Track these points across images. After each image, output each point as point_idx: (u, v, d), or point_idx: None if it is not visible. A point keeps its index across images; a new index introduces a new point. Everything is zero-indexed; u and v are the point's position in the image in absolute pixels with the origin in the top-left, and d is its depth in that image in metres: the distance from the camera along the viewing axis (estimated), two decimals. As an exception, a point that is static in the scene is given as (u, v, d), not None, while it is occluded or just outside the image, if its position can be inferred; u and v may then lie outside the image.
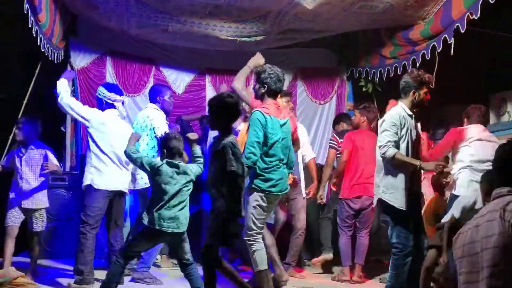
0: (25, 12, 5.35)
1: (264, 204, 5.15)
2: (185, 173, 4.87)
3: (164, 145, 4.97)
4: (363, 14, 6.69)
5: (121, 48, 7.95)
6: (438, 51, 6.34)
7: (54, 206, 6.63)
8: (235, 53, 7.76)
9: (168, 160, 4.87)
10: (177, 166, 4.85)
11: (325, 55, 8.63)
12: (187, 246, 4.95)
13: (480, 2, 5.56)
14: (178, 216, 4.80)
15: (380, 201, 5.02)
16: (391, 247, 5.04)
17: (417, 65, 6.83)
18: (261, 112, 5.12)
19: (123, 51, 7.97)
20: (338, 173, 6.70)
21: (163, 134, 5.28)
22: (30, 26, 5.54)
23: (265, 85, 5.25)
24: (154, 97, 6.31)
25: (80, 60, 7.68)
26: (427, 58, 6.59)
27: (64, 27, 6.90)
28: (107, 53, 7.88)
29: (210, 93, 8.26)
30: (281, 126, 5.21)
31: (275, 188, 5.16)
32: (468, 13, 5.78)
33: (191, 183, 4.94)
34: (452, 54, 6.04)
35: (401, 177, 4.91)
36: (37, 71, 6.67)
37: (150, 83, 7.91)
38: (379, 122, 5.17)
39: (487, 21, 6.11)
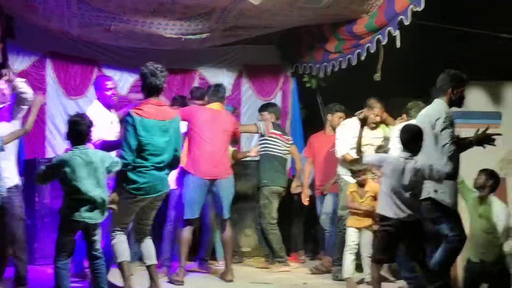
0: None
1: (129, 204, 5.19)
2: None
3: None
4: (307, 9, 6.72)
5: (61, 50, 7.71)
6: (383, 43, 6.46)
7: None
8: (179, 51, 7.71)
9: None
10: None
11: (270, 51, 8.64)
12: (98, 237, 4.96)
13: (423, -6, 5.70)
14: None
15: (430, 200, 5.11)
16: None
17: (362, 59, 6.96)
18: (130, 113, 5.11)
19: (63, 53, 7.73)
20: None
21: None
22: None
23: (143, 83, 5.28)
24: (95, 92, 6.25)
25: (19, 63, 7.40)
26: (372, 51, 6.70)
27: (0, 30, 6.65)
28: (47, 55, 7.64)
29: (155, 93, 8.15)
30: (162, 126, 5.16)
31: (139, 191, 5.14)
32: (411, 6, 5.92)
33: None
34: (398, 47, 6.17)
35: None
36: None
37: (93, 85, 7.73)
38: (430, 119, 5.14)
39: (428, 13, 6.24)
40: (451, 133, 4.95)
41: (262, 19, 6.94)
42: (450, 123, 4.99)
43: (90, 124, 4.96)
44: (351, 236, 6.23)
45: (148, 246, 5.41)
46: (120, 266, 5.23)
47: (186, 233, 6.21)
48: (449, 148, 4.93)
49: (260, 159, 7.22)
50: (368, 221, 6.22)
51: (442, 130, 4.97)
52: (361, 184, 6.29)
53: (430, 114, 5.14)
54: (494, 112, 7.27)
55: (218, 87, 6.64)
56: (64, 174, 4.84)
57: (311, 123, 8.58)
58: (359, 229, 6.24)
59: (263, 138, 7.12)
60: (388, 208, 5.02)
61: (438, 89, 5.24)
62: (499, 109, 7.26)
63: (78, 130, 4.92)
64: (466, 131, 7.13)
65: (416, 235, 5.09)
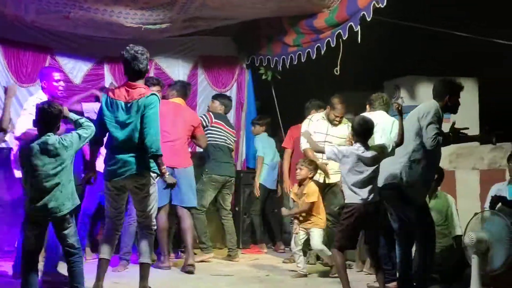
0: None
1: (108, 192, 5.08)
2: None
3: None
4: (270, 2, 6.77)
5: (13, 36, 7.46)
6: (344, 38, 6.58)
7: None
8: (136, 41, 7.55)
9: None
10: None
11: (226, 43, 8.63)
12: (71, 230, 4.74)
13: (387, -9, 5.82)
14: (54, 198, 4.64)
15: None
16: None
17: (322, 53, 7.08)
18: (106, 94, 5.14)
19: (15, 39, 7.49)
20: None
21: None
22: None
23: (125, 68, 5.16)
24: (40, 81, 5.98)
25: (-32, 50, 7.18)
26: (332, 46, 6.81)
27: None
28: (-3, 41, 7.40)
29: (108, 82, 8.02)
30: (125, 107, 4.99)
31: (108, 175, 5.02)
32: (374, 2, 6.05)
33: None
34: (359, 42, 6.30)
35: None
36: None
37: (45, 73, 7.54)
38: (419, 113, 5.25)
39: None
40: (436, 129, 5.10)
41: (224, 10, 6.95)
42: (437, 120, 5.14)
43: (59, 113, 4.80)
44: (300, 236, 6.34)
45: (143, 243, 5.16)
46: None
47: (161, 221, 6.24)
48: (431, 142, 5.08)
49: (207, 149, 7.26)
50: (313, 219, 6.31)
51: (428, 124, 5.10)
52: (300, 184, 6.42)
53: (421, 108, 5.29)
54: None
55: (187, 85, 6.87)
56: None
57: (264, 115, 8.64)
58: (306, 228, 6.35)
59: (207, 128, 7.15)
60: (352, 195, 5.16)
61: (435, 96, 5.36)
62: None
63: (45, 118, 4.75)
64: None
65: (374, 220, 5.22)
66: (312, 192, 6.27)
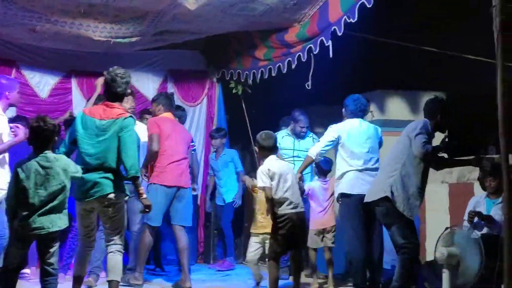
0: None
1: (78, 211, 5.08)
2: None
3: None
4: (241, 17, 6.73)
5: (-24, 50, 7.36)
6: (315, 53, 6.58)
7: None
8: (104, 54, 7.53)
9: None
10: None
11: (196, 57, 8.58)
12: (55, 249, 4.66)
13: (357, 6, 5.81)
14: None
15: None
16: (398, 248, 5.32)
17: (293, 67, 7.07)
18: (81, 111, 5.18)
19: (-22, 53, 7.38)
20: None
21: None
22: None
23: (105, 89, 5.19)
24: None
25: None
26: (303, 60, 6.80)
27: None
28: (-40, 54, 7.26)
29: (76, 96, 7.99)
30: (100, 126, 4.98)
31: (79, 195, 5.00)
32: (345, 17, 6.05)
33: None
34: (330, 56, 6.30)
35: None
36: None
37: (11, 87, 7.38)
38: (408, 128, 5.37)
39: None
40: (424, 138, 5.13)
41: (194, 24, 6.90)
42: (426, 132, 5.19)
43: (54, 128, 4.71)
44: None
45: (111, 260, 5.09)
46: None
47: (147, 239, 6.27)
48: (420, 149, 5.12)
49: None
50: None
51: (416, 135, 5.17)
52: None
53: (411, 124, 5.40)
54: (412, 121, 7.59)
55: (171, 96, 6.81)
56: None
57: (234, 130, 8.61)
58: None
59: None
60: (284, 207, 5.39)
61: (427, 113, 5.44)
62: (416, 117, 7.57)
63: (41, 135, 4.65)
64: (385, 139, 7.47)
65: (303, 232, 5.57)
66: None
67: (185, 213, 6.48)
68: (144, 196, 5.07)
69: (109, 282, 5.02)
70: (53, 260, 4.65)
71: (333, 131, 6.07)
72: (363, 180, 5.86)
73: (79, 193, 4.98)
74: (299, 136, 6.92)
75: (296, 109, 7.10)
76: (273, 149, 5.59)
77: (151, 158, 6.34)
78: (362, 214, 5.77)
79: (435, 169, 5.91)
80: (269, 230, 5.65)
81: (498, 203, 6.08)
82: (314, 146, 6.18)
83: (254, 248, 6.16)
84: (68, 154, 5.01)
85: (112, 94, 5.08)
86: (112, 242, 5.06)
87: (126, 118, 4.99)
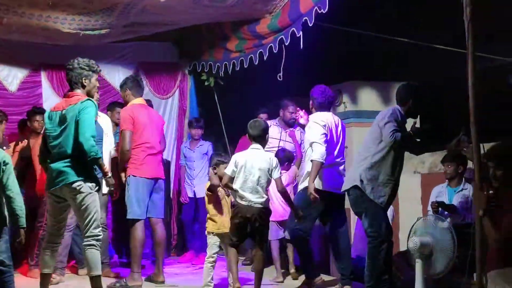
0: None
1: (48, 201, 5.15)
2: None
3: None
4: (211, 8, 6.65)
5: None
6: (286, 44, 6.54)
7: None
8: (74, 47, 7.39)
9: None
10: None
11: (167, 49, 8.54)
12: (1, 245, 4.55)
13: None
14: None
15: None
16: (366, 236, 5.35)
17: (265, 59, 7.03)
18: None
19: None
20: None
21: None
22: None
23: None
24: None
25: None
26: (275, 51, 6.77)
27: None
28: None
29: (46, 90, 7.91)
30: (60, 116, 5.01)
31: (47, 185, 5.05)
32: (316, 7, 6.02)
33: None
34: (301, 47, 6.28)
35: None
36: None
37: (-22, 80, 7.30)
38: (378, 117, 5.36)
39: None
40: (393, 126, 5.13)
41: (164, 16, 6.82)
42: (395, 120, 5.19)
43: None
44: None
45: (89, 254, 4.98)
46: None
47: (137, 232, 6.10)
48: (389, 138, 5.12)
49: None
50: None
51: (385, 124, 5.17)
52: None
53: (380, 113, 5.41)
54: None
55: (138, 79, 6.59)
56: None
57: (207, 122, 8.55)
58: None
59: None
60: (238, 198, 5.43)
61: (398, 100, 5.44)
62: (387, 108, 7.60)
63: None
64: (358, 130, 7.49)
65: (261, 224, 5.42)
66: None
67: (161, 205, 6.38)
68: (109, 175, 5.10)
69: (92, 278, 4.92)
70: (2, 257, 4.54)
71: (322, 123, 5.90)
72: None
73: (47, 183, 5.03)
74: (288, 123, 6.94)
75: (284, 98, 7.13)
76: (256, 138, 5.47)
77: (124, 157, 6.13)
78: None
79: (415, 154, 5.99)
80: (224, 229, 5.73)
81: (459, 191, 6.22)
82: (315, 150, 5.72)
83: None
84: (48, 155, 5.08)
85: (70, 82, 5.15)
86: (87, 234, 4.97)
87: (83, 101, 4.96)
